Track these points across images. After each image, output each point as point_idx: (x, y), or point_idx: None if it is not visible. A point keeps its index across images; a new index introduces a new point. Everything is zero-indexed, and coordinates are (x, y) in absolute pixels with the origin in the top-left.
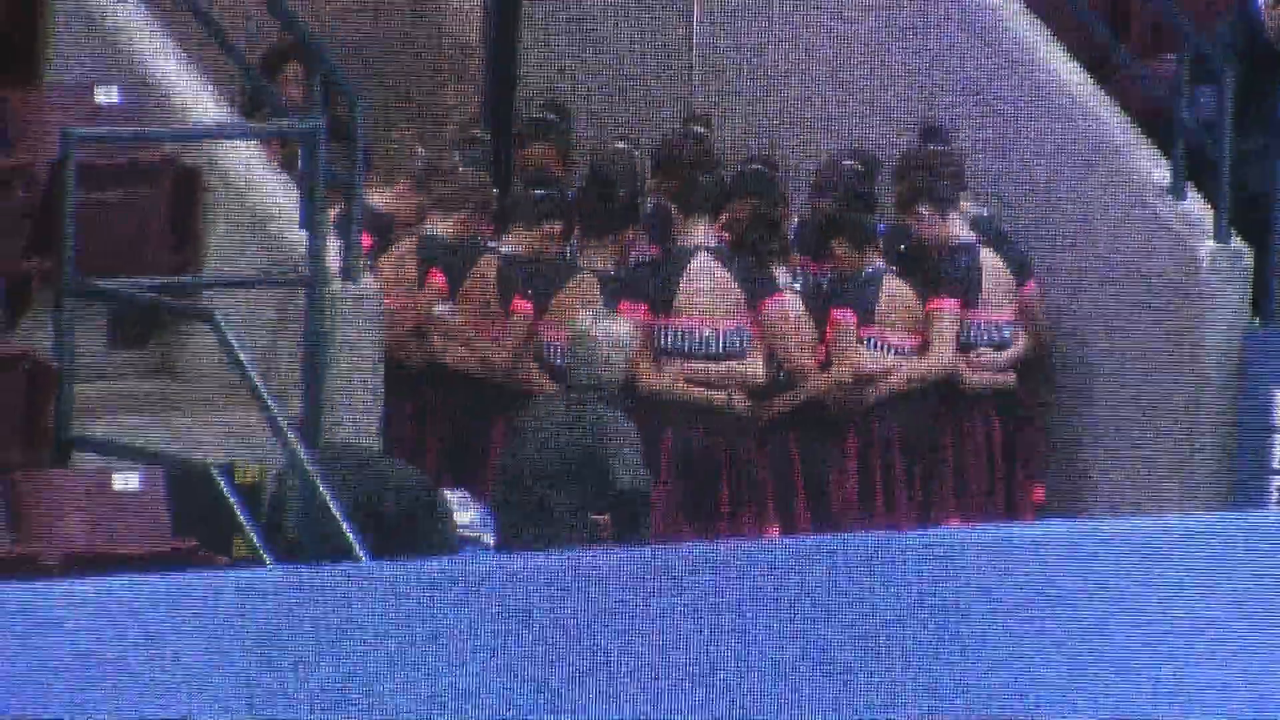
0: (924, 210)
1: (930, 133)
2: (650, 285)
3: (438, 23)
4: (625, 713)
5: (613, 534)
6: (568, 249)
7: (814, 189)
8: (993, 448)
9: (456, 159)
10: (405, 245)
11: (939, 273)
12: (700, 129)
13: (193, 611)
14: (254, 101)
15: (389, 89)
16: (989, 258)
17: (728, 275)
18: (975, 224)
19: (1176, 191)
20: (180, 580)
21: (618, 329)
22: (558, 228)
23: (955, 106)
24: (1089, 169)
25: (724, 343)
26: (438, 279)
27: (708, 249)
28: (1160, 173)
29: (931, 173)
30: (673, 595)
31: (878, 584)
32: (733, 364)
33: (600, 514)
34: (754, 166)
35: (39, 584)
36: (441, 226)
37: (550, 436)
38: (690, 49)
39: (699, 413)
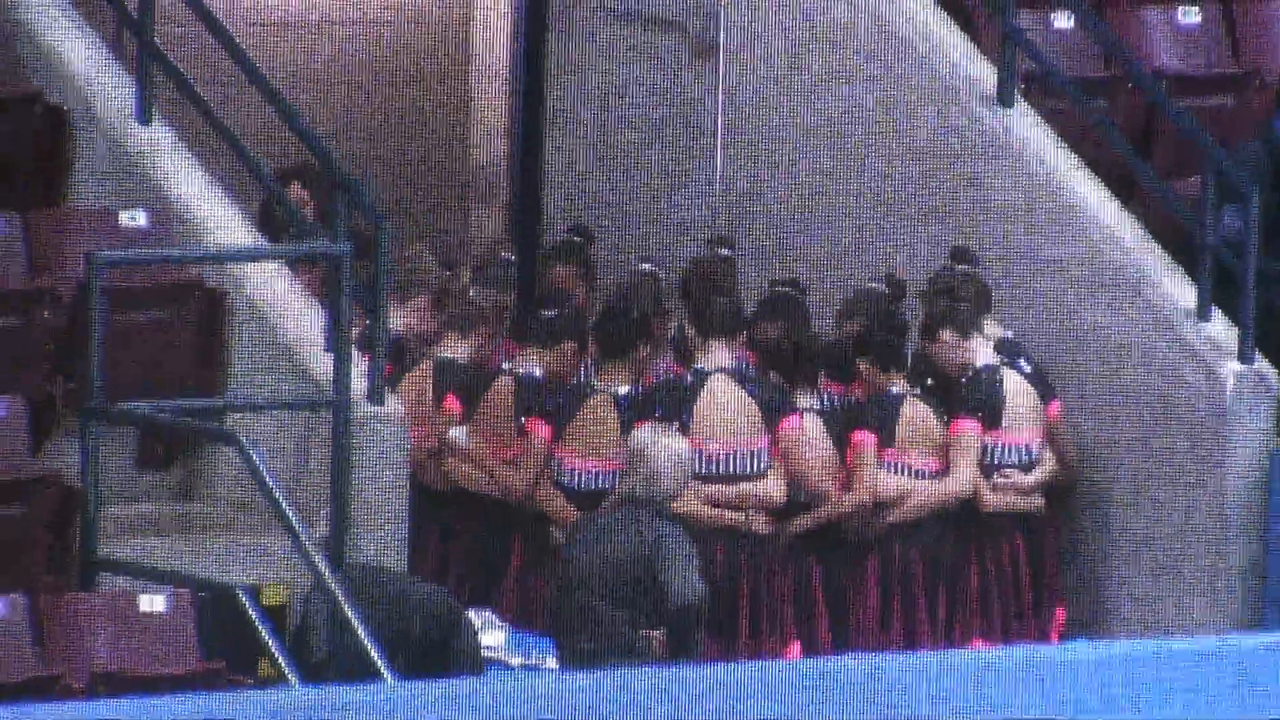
0: (946, 335)
1: (959, 253)
2: (667, 407)
3: (463, 144)
4: None
5: (667, 649)
6: (583, 370)
7: (841, 312)
8: (1016, 570)
9: (467, 280)
10: (422, 369)
11: (961, 394)
12: (725, 251)
13: None
14: (271, 221)
15: (411, 211)
16: (1012, 379)
17: (745, 396)
18: (999, 346)
19: (1202, 313)
20: (207, 701)
21: (676, 445)
22: (572, 348)
23: (981, 229)
24: (1114, 292)
25: (742, 463)
26: (453, 403)
27: (725, 370)
28: (1185, 294)
29: (954, 297)
30: (698, 714)
31: (900, 704)
32: (751, 485)
33: (654, 629)
34: (781, 289)
35: (65, 705)
36: (456, 349)
37: (607, 550)
38: (716, 172)
39: (718, 533)
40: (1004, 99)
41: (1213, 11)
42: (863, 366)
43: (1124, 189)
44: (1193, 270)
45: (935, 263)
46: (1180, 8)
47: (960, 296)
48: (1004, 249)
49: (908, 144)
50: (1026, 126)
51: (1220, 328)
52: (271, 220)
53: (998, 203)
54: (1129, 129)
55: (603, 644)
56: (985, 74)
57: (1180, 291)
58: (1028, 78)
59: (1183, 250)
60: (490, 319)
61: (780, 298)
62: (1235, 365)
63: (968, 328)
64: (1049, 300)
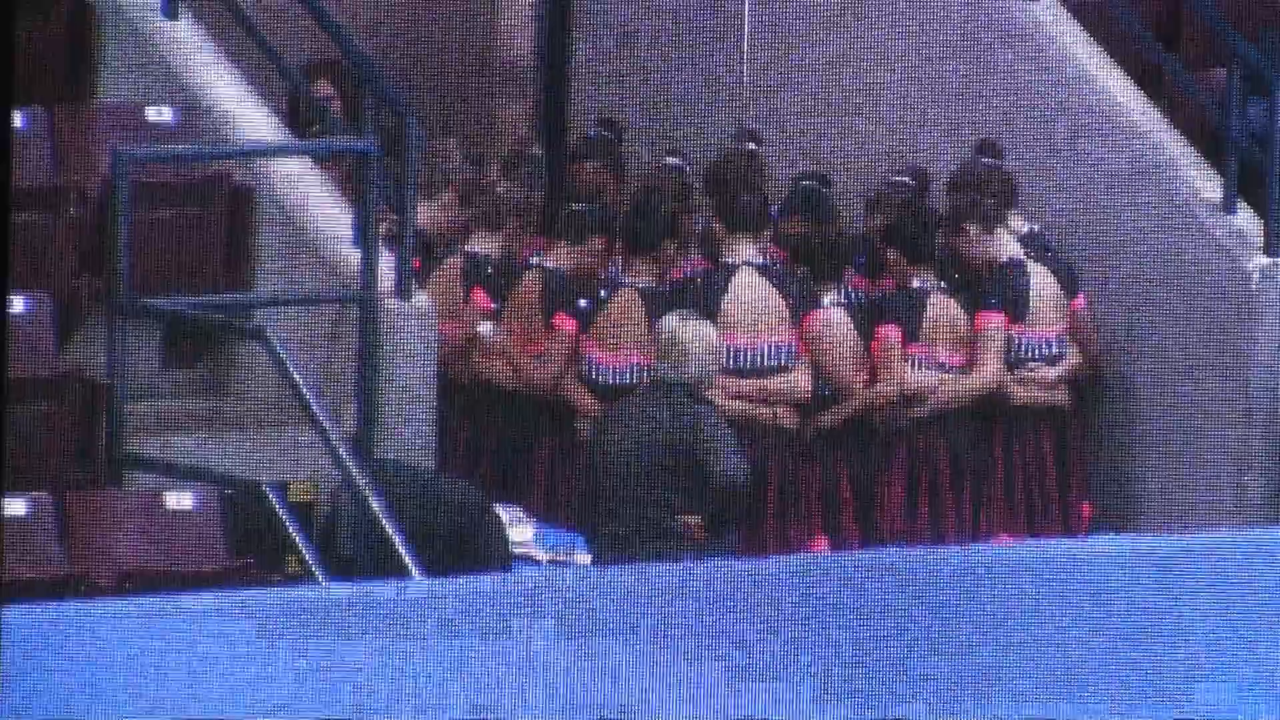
0: (971, 228)
1: (984, 146)
2: (694, 301)
3: (489, 39)
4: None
5: (706, 532)
6: (612, 265)
7: (868, 204)
8: (1042, 464)
9: (496, 175)
10: (450, 264)
11: (986, 288)
12: (751, 145)
13: (246, 629)
14: (298, 117)
15: (439, 106)
16: (1038, 273)
17: (772, 290)
18: (1025, 240)
19: (1227, 206)
20: (234, 598)
21: (705, 329)
22: (601, 243)
23: (1007, 123)
24: (1140, 184)
25: (769, 358)
26: (481, 297)
27: (752, 265)
28: (1211, 187)
29: (978, 190)
30: (721, 607)
31: (927, 597)
32: (778, 379)
33: (691, 514)
34: (807, 183)
35: (92, 603)
36: (485, 244)
37: (641, 435)
38: (742, 66)
39: (745, 428)
40: None
41: None
42: (890, 258)
43: (1149, 82)
44: (1218, 163)
45: (961, 156)
46: None
47: (985, 190)
48: (1029, 142)
49: (934, 37)
50: (1052, 19)
51: (1245, 220)
52: (299, 116)
53: (1023, 96)
54: (1154, 21)
55: (638, 531)
56: None
57: (1206, 184)
58: None
59: (1208, 143)
60: (518, 214)
61: (807, 191)
62: (1260, 258)
63: (992, 221)
64: (1074, 194)
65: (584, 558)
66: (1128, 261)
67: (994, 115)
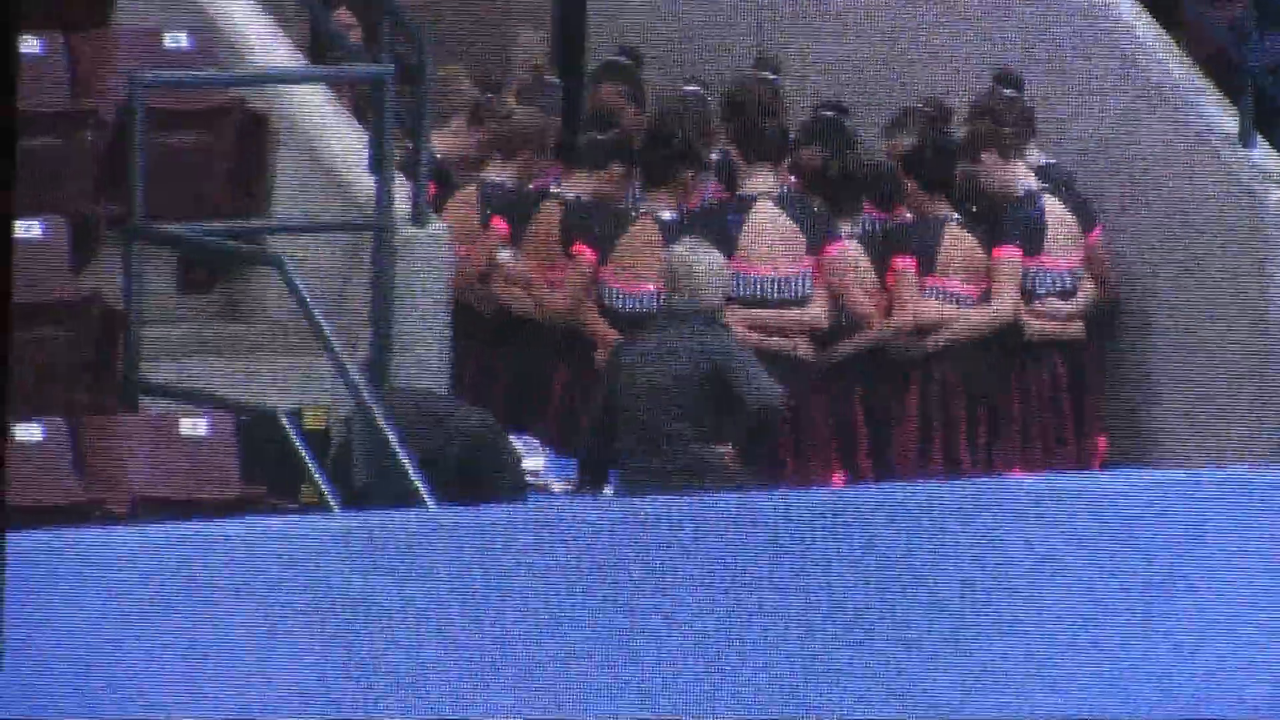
0: (988, 157)
1: (1004, 77)
2: (712, 231)
3: None
4: (691, 657)
5: (743, 458)
6: (630, 193)
7: (887, 129)
8: (1058, 397)
9: (511, 102)
10: (467, 192)
11: (1003, 221)
12: (769, 74)
13: (261, 556)
14: (319, 44)
15: (455, 33)
16: (1054, 205)
17: (790, 222)
18: (1041, 172)
19: (1244, 139)
20: (248, 525)
21: (714, 257)
22: (620, 171)
23: (1022, 54)
24: (1156, 117)
25: (787, 289)
26: (500, 225)
27: (770, 196)
28: (1228, 120)
29: (997, 119)
30: (736, 541)
31: (939, 532)
32: (795, 310)
33: (721, 443)
34: (826, 113)
35: (106, 529)
36: (501, 171)
37: (665, 364)
38: None
39: (762, 358)
40: None
41: None
42: (908, 187)
43: (1166, 13)
44: (1235, 96)
45: (977, 89)
46: None
47: (1003, 119)
48: (1046, 72)
49: None
50: None
51: (1263, 153)
52: (320, 44)
53: (1040, 26)
54: None
55: (667, 462)
56: None
57: (1222, 117)
58: None
59: (1225, 75)
60: (533, 140)
61: (824, 121)
62: (1278, 191)
63: (1009, 151)
64: (1090, 125)
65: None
66: (1144, 195)
67: (1008, 47)
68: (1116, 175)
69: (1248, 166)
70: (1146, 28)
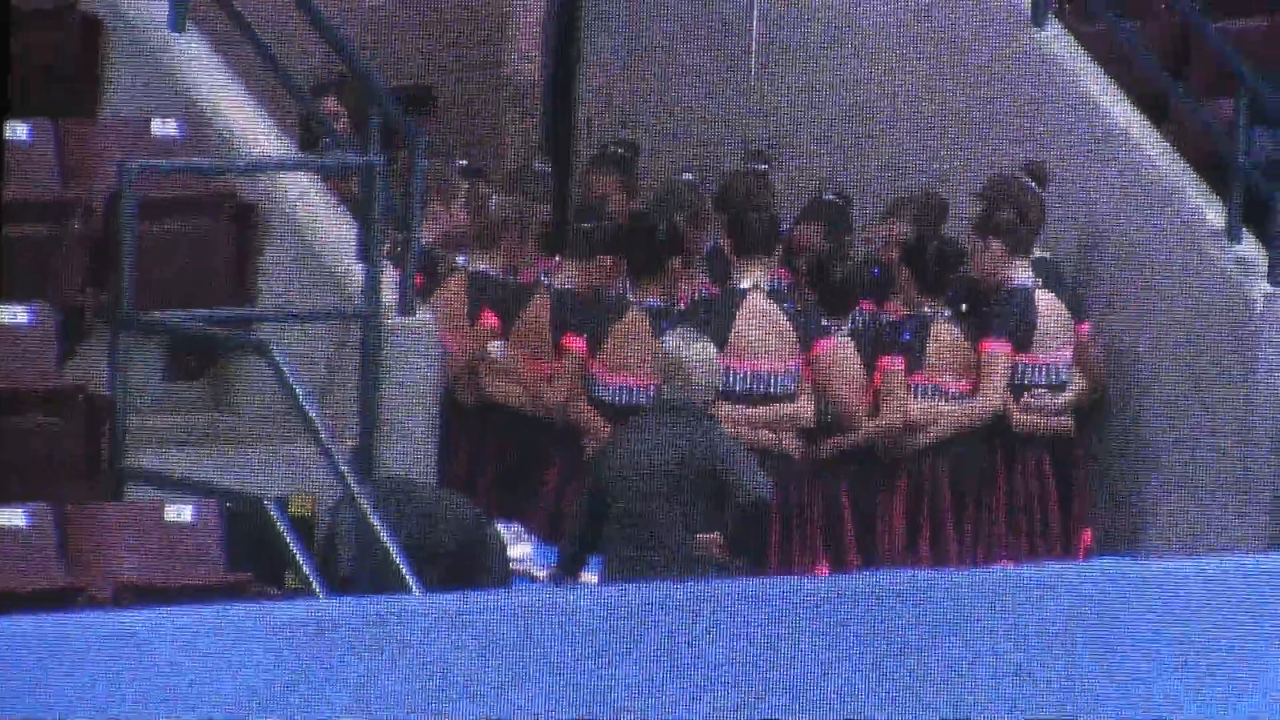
0: (996, 245)
1: (1033, 170)
2: (704, 323)
3: (497, 56)
4: None
5: (731, 549)
6: (619, 285)
7: (888, 211)
8: (1044, 490)
9: (487, 191)
10: (455, 282)
11: (993, 315)
12: (761, 166)
13: (246, 643)
14: (308, 133)
15: (445, 123)
16: (1045, 299)
17: (781, 316)
18: (1034, 265)
19: (1232, 234)
20: (233, 612)
21: (706, 349)
22: (609, 262)
23: (1014, 148)
24: (1146, 212)
25: (775, 383)
26: (490, 318)
27: (761, 289)
28: (1216, 216)
29: (1021, 213)
30: (726, 627)
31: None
32: (783, 406)
33: (708, 535)
34: (828, 196)
35: (90, 615)
36: (487, 261)
37: (655, 455)
38: (750, 88)
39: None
40: (1037, 19)
41: None
42: (903, 276)
43: (1157, 110)
44: (1224, 192)
45: (968, 180)
46: None
47: (1027, 215)
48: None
49: (942, 62)
50: (1060, 46)
51: (1250, 248)
52: (309, 133)
53: (1031, 122)
54: (1162, 50)
55: (654, 552)
56: None
57: (1211, 212)
58: None
59: (1215, 172)
60: (512, 228)
61: (828, 203)
62: (1265, 286)
63: (1018, 245)
64: (1080, 219)
65: (589, 577)
66: (1132, 288)
67: (1001, 141)
68: (1104, 267)
69: (1234, 260)
70: (1138, 126)
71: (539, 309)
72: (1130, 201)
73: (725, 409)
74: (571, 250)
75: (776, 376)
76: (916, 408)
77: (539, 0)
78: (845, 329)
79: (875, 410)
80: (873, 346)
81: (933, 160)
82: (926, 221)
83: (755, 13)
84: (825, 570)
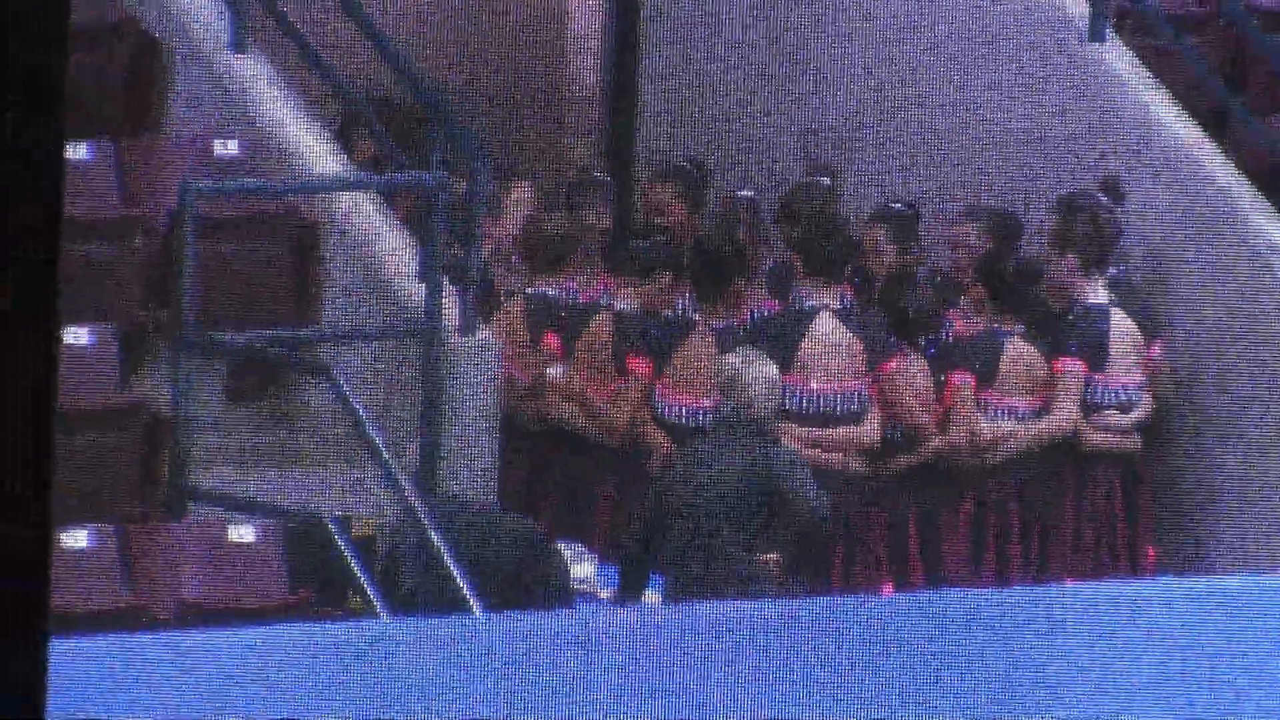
0: (1072, 258)
1: (1109, 185)
2: (771, 342)
3: (558, 75)
4: None
5: (789, 569)
6: (681, 303)
7: (956, 220)
8: (1112, 509)
9: (558, 210)
10: (515, 305)
11: (1067, 333)
12: (825, 179)
13: (309, 663)
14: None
15: (506, 143)
16: (1119, 319)
17: (851, 336)
18: (1110, 282)
19: None
20: (295, 632)
21: (767, 368)
22: (667, 279)
23: (1074, 165)
24: (1205, 229)
25: (842, 404)
26: (552, 341)
27: (832, 309)
28: (1277, 230)
29: (1098, 228)
30: (788, 647)
31: (990, 638)
32: (849, 427)
33: (768, 554)
34: (896, 205)
35: (153, 636)
36: (548, 284)
37: (715, 474)
38: (811, 101)
39: (813, 472)
40: (1096, 34)
41: None
42: (977, 293)
43: (1216, 125)
44: None
45: (1030, 196)
46: None
47: (1104, 230)
48: (1096, 182)
49: (1002, 78)
50: (1118, 62)
51: None
52: (349, 147)
53: (1090, 140)
54: (1221, 65)
55: (715, 571)
56: (1078, 10)
57: (1272, 228)
58: (1120, 14)
59: (1275, 187)
60: (578, 248)
61: (894, 211)
62: None
63: (1093, 261)
64: (1139, 237)
65: (653, 596)
66: (1193, 306)
67: (1061, 160)
68: (1166, 287)
69: None
70: (1197, 141)
71: (601, 330)
72: (1189, 218)
73: (790, 429)
74: (628, 269)
75: (843, 397)
76: (986, 425)
77: (599, 23)
78: (930, 349)
79: (943, 428)
80: (944, 362)
81: (996, 177)
82: (1002, 237)
83: (821, 31)
84: (890, 589)
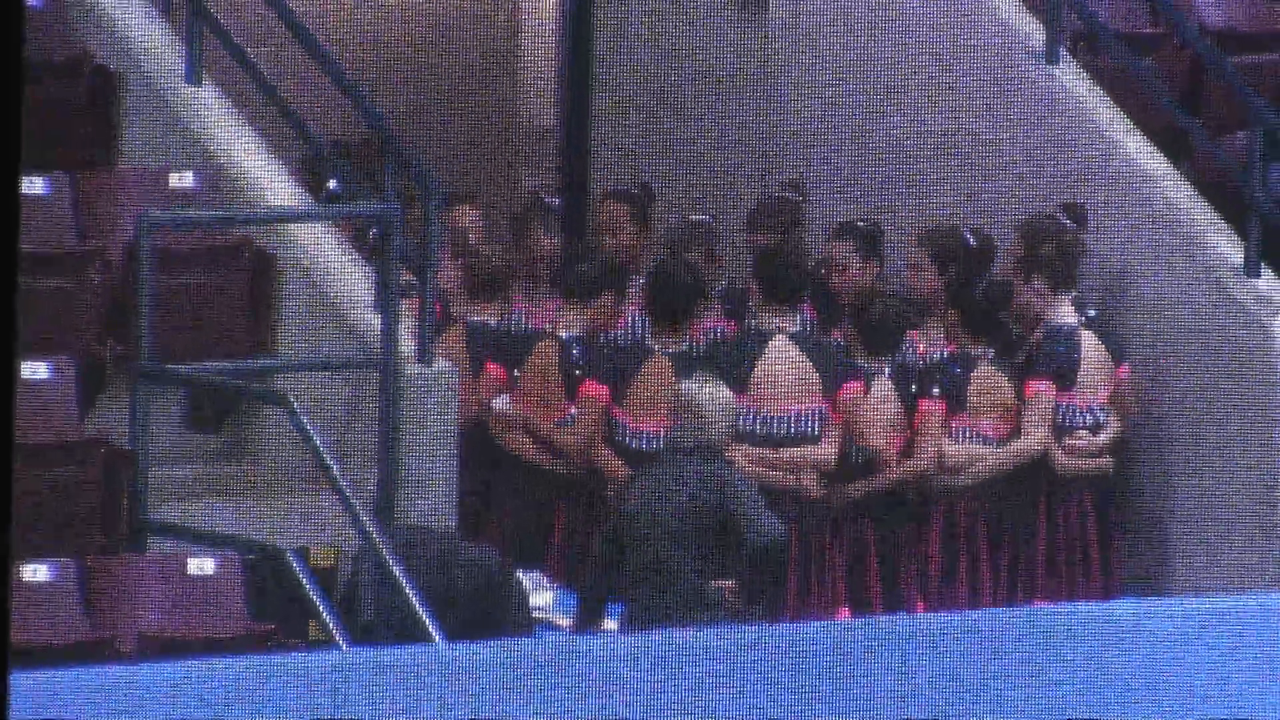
0: (1038, 282)
1: (1072, 210)
2: (726, 367)
3: (509, 99)
4: None
5: (743, 595)
6: (634, 326)
7: (923, 241)
8: (1085, 531)
9: (474, 241)
10: (453, 333)
11: (1037, 355)
12: (794, 195)
13: (268, 694)
14: (319, 182)
15: (456, 168)
16: (1088, 340)
17: (806, 361)
18: (1076, 302)
19: (1250, 269)
20: (255, 663)
21: (722, 392)
22: (611, 299)
23: (1030, 186)
24: (1162, 248)
25: (797, 426)
26: (495, 371)
27: (787, 332)
28: (1234, 251)
29: (1062, 250)
30: (744, 672)
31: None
32: (805, 448)
33: (724, 580)
34: (859, 223)
35: (114, 668)
36: (486, 312)
37: (670, 500)
38: (767, 128)
39: (769, 495)
40: (1051, 56)
41: None
42: (951, 317)
43: (1172, 146)
44: (1241, 227)
45: (991, 220)
46: None
47: (1068, 251)
48: (1052, 206)
49: (956, 99)
50: (1074, 83)
51: (1268, 283)
52: (319, 181)
53: (1047, 161)
54: (1176, 86)
55: (671, 598)
56: (1033, 31)
57: (1228, 248)
58: (1075, 35)
59: (1231, 207)
60: (521, 273)
61: (859, 226)
62: None
63: (1060, 283)
64: (1097, 256)
65: (609, 624)
66: (1154, 325)
67: (1018, 180)
68: (1127, 307)
69: (1253, 296)
70: (1156, 163)
71: (546, 357)
72: (1147, 238)
73: (746, 451)
74: (572, 292)
75: (798, 418)
76: (953, 449)
77: (550, 53)
78: (887, 368)
79: (908, 452)
80: (917, 386)
81: (948, 195)
82: (975, 267)
83: (767, 52)
84: (846, 614)
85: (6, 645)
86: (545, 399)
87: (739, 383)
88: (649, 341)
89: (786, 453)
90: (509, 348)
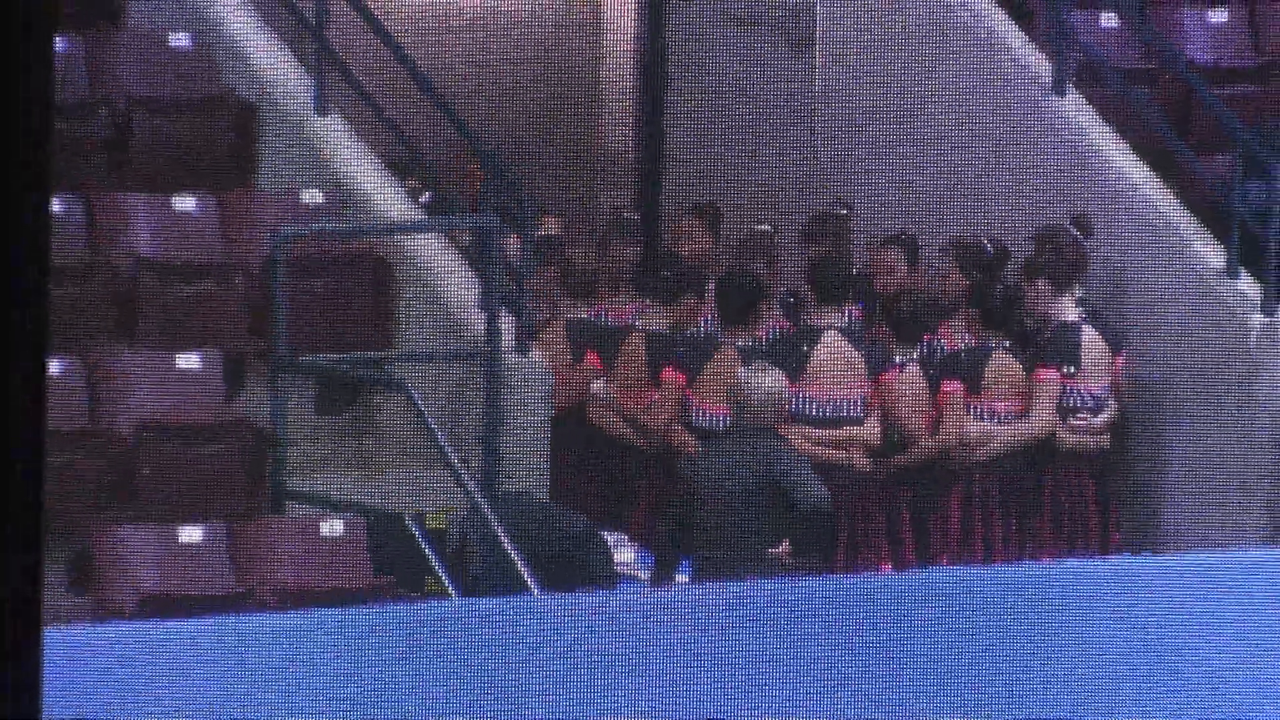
0: (1041, 283)
1: (1078, 220)
2: (784, 358)
3: (594, 133)
4: None
5: (796, 558)
6: (707, 322)
7: (960, 265)
8: (1084, 501)
9: (593, 248)
10: (555, 329)
11: (1044, 346)
12: (843, 210)
13: (392, 639)
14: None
15: (545, 185)
16: (1089, 333)
17: (854, 352)
18: (1079, 302)
19: (1231, 272)
20: (380, 611)
21: (776, 378)
22: (691, 302)
23: (1040, 203)
24: (1156, 254)
25: (846, 409)
26: (594, 359)
27: (837, 327)
28: (1217, 256)
29: (1060, 254)
30: (800, 619)
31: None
32: (853, 428)
33: (776, 545)
34: (904, 234)
35: (257, 616)
36: (585, 310)
37: (728, 471)
38: (812, 150)
39: (822, 469)
40: (1058, 88)
41: (1239, 10)
42: (971, 316)
43: (1164, 165)
44: (1223, 235)
45: (1002, 230)
46: (1211, 8)
47: (1064, 254)
48: (1059, 220)
49: (977, 126)
50: (1078, 112)
51: (1247, 284)
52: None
53: (1055, 178)
54: (1168, 113)
55: (734, 555)
56: (1042, 65)
57: (1212, 253)
58: (1079, 69)
59: (1214, 218)
60: (610, 280)
61: (903, 237)
62: (1260, 317)
63: (1061, 284)
64: (1100, 262)
65: (681, 578)
66: (1147, 322)
67: (1031, 196)
68: (1123, 305)
69: (1234, 295)
70: (1148, 180)
71: (635, 348)
72: (1143, 245)
73: (802, 430)
74: (658, 295)
75: (847, 403)
76: (974, 427)
77: (629, 84)
78: (914, 356)
79: (936, 429)
80: (938, 372)
81: (978, 214)
82: (995, 272)
83: (814, 87)
84: (888, 568)
85: (39, 619)
86: (632, 384)
87: (795, 372)
88: (720, 336)
89: (837, 432)
90: (604, 340)
